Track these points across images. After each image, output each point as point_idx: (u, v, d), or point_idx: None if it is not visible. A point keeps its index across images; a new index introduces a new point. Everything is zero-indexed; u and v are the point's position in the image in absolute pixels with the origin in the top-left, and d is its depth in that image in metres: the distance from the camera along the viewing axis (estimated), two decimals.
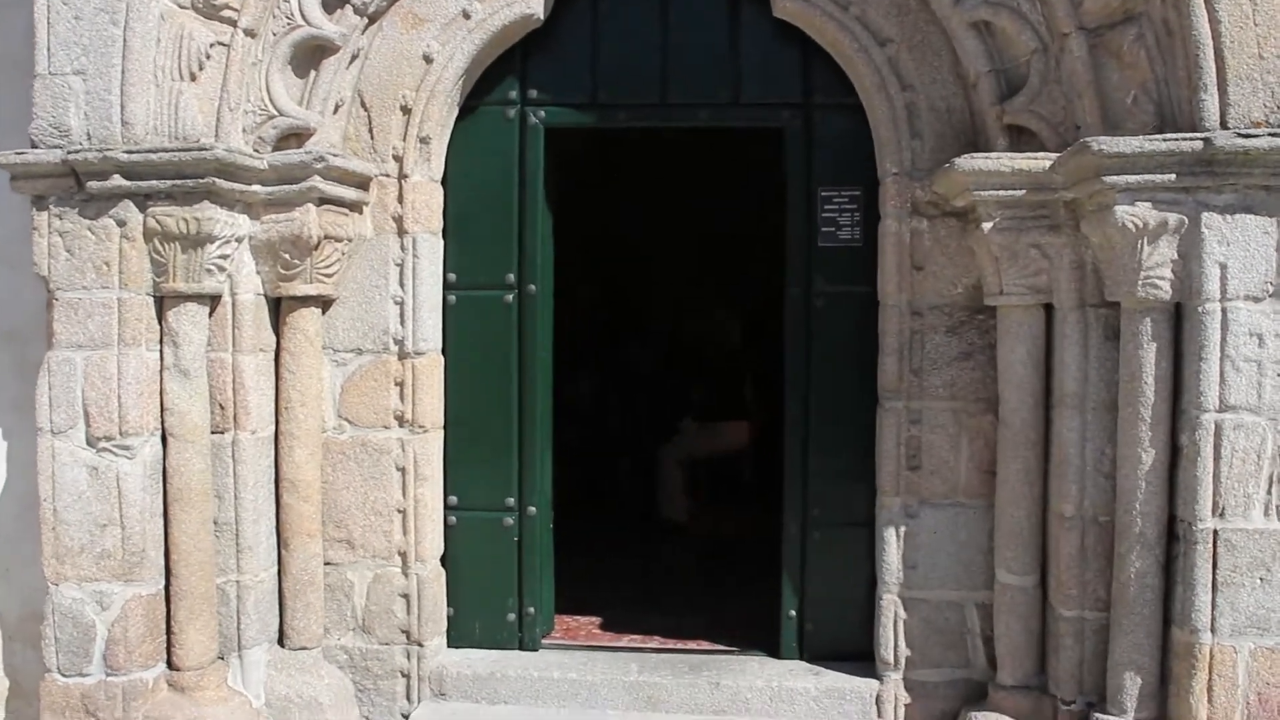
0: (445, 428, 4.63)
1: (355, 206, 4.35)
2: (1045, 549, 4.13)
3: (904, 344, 4.31)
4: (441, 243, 4.58)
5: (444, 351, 4.62)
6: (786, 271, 4.61)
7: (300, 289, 4.21)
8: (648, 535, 7.24)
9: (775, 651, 4.68)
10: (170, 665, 4.10)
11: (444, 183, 4.58)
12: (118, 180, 3.83)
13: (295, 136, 4.20)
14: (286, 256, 4.14)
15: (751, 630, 4.98)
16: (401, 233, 4.43)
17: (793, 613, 4.64)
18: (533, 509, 4.68)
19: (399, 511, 4.49)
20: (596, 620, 5.23)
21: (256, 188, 4.04)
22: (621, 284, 8.83)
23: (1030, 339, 4.07)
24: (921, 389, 4.31)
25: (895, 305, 4.31)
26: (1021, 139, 4.08)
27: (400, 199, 4.42)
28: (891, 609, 4.37)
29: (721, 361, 7.50)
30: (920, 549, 4.34)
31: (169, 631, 4.09)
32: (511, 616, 4.71)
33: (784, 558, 4.65)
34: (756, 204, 8.24)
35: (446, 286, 4.61)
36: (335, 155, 4.08)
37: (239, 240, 4.07)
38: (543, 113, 4.60)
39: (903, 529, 4.34)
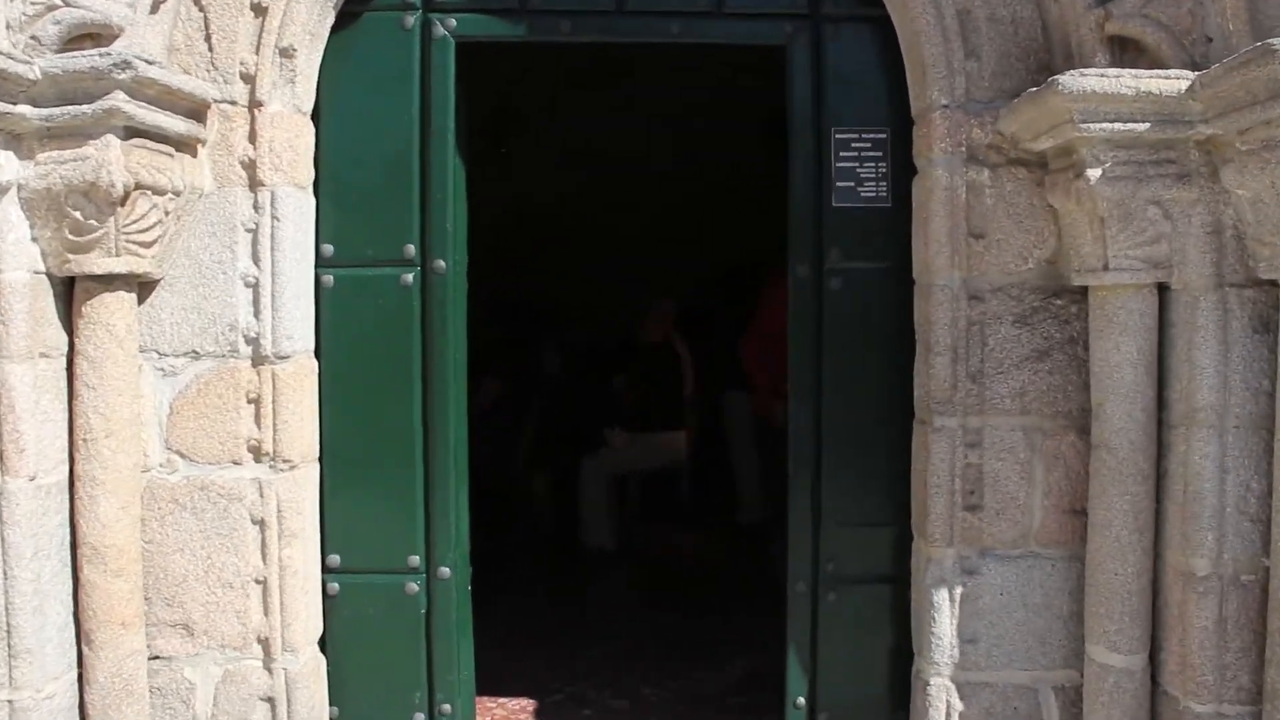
0: (321, 461, 3.31)
1: (186, 145, 3.00)
2: (1156, 617, 3.05)
3: (958, 339, 3.17)
4: (313, 201, 3.26)
5: (317, 354, 3.31)
6: (788, 243, 3.43)
7: (101, 264, 2.84)
8: (572, 567, 5.99)
9: None
10: None
11: (315, 117, 3.26)
12: None
13: (91, 38, 2.83)
14: (78, 215, 2.76)
15: (737, 712, 3.80)
16: (255, 185, 3.09)
17: (801, 699, 3.46)
18: (445, 570, 3.39)
19: (257, 582, 3.16)
20: (529, 706, 3.97)
21: (24, 108, 2.66)
22: (531, 261, 7.47)
23: (1142, 331, 2.97)
24: (982, 401, 3.18)
25: (945, 286, 3.17)
26: (1124, 58, 2.98)
27: (252, 137, 3.09)
28: (942, 697, 3.23)
29: (654, 356, 6.24)
30: (982, 616, 3.21)
31: None
32: (420, 717, 3.42)
33: (789, 627, 3.47)
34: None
35: (320, 263, 3.29)
36: (150, 63, 2.72)
37: (0, 189, 2.70)
38: (453, 21, 3.31)
39: (958, 590, 3.20)
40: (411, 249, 3.33)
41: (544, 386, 6.66)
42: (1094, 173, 2.83)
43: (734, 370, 6.41)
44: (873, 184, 3.37)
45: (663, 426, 6.18)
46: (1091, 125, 2.78)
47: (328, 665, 3.37)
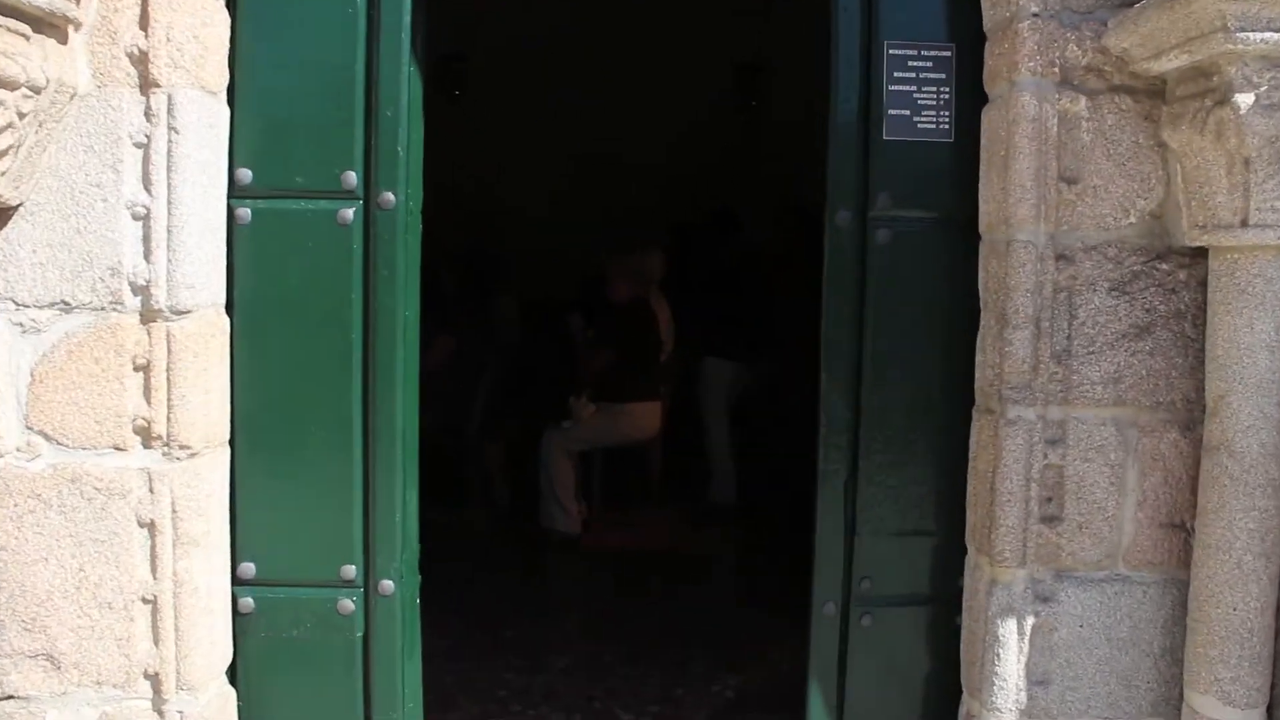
0: (232, 446, 2.61)
1: (50, 26, 2.25)
2: (1275, 661, 2.46)
3: (1041, 309, 2.53)
4: (226, 111, 2.54)
5: (229, 309, 2.60)
6: (827, 184, 2.77)
7: None
8: (530, 554, 5.33)
9: None
10: None
11: (231, 4, 2.53)
12: None
13: None
14: None
15: None
16: (147, 86, 2.36)
17: None
18: (388, 583, 2.71)
19: (145, 601, 2.46)
20: None
21: None
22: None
23: None
24: (1068, 387, 2.55)
25: (1029, 242, 2.53)
26: None
27: (144, 21, 2.35)
28: None
29: (625, 316, 5.53)
30: (1056, 653, 2.60)
31: None
32: None
33: (812, 657, 2.85)
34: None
35: (235, 192, 2.58)
36: None
37: None
38: None
39: (1029, 621, 2.59)
40: (352, 177, 2.62)
41: (500, 346, 5.93)
42: (1244, 99, 2.19)
43: (713, 334, 5.82)
44: (932, 113, 2.73)
45: (634, 397, 5.49)
46: (1250, 35, 2.13)
47: (239, 701, 2.69)
